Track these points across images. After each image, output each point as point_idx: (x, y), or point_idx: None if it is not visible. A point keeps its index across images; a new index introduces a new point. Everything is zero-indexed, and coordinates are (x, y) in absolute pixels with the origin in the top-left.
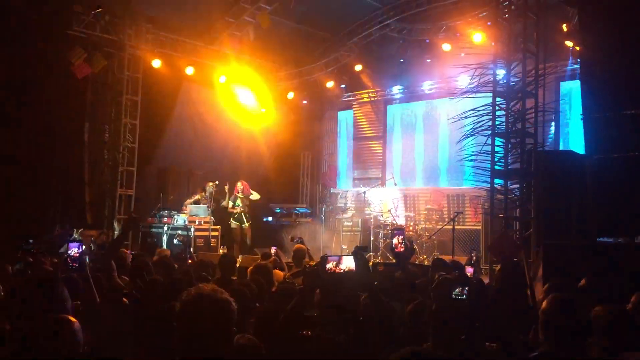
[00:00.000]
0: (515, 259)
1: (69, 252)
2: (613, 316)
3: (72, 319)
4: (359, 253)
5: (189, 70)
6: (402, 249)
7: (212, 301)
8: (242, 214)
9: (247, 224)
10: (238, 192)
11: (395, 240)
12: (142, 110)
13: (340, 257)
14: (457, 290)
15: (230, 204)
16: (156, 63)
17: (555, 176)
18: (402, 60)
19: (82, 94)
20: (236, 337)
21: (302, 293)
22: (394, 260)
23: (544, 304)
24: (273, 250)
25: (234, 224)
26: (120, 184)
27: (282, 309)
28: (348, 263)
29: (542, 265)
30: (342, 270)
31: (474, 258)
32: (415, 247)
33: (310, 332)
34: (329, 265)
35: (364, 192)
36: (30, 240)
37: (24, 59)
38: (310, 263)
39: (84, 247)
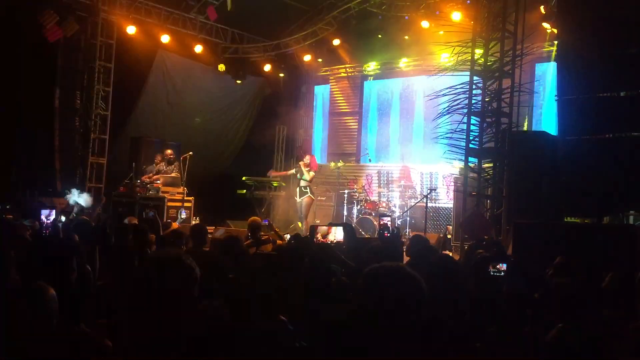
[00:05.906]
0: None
1: (41, 217)
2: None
3: (48, 286)
4: (348, 226)
5: (165, 39)
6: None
7: (175, 264)
8: (298, 187)
9: (300, 198)
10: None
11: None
12: (115, 78)
13: (328, 227)
14: (495, 267)
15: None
16: (131, 29)
17: (527, 156)
18: (380, 36)
19: (53, 59)
20: (203, 303)
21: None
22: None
23: None
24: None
25: (296, 197)
26: (92, 151)
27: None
28: (337, 234)
29: (512, 243)
30: (330, 242)
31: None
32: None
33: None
34: (317, 236)
35: (339, 167)
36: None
37: None
38: (270, 235)
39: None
